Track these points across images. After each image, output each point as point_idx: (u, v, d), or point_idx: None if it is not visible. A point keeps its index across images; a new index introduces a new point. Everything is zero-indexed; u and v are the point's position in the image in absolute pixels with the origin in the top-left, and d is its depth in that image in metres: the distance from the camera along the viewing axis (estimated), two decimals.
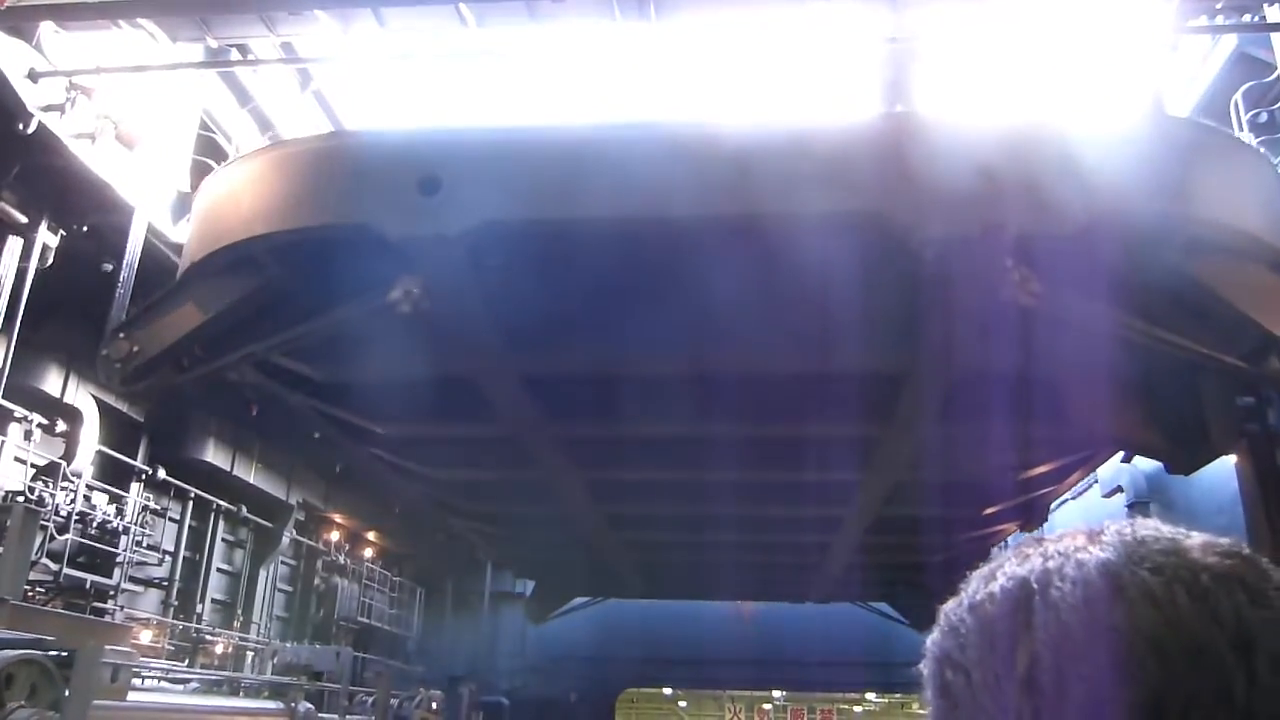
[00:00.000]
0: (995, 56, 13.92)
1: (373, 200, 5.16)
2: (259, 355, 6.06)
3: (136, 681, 10.58)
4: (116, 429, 13.80)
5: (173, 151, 12.00)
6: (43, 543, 10.84)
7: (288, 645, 16.68)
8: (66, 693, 8.24)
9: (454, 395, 7.16)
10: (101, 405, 13.15)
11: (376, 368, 6.96)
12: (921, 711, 3.07)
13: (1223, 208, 5.03)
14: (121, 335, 6.13)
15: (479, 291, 5.61)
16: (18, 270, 10.07)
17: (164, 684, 12.28)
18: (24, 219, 10.29)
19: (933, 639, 0.63)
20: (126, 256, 9.22)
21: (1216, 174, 5.15)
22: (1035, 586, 0.57)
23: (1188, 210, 4.92)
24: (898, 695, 23.34)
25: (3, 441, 11.67)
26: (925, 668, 0.63)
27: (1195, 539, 0.57)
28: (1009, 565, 0.60)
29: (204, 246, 5.79)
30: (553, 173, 5.09)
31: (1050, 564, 0.57)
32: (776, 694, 27.30)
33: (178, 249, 12.18)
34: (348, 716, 14.43)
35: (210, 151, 12.71)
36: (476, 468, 8.79)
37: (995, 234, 4.65)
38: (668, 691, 28.70)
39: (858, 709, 27.42)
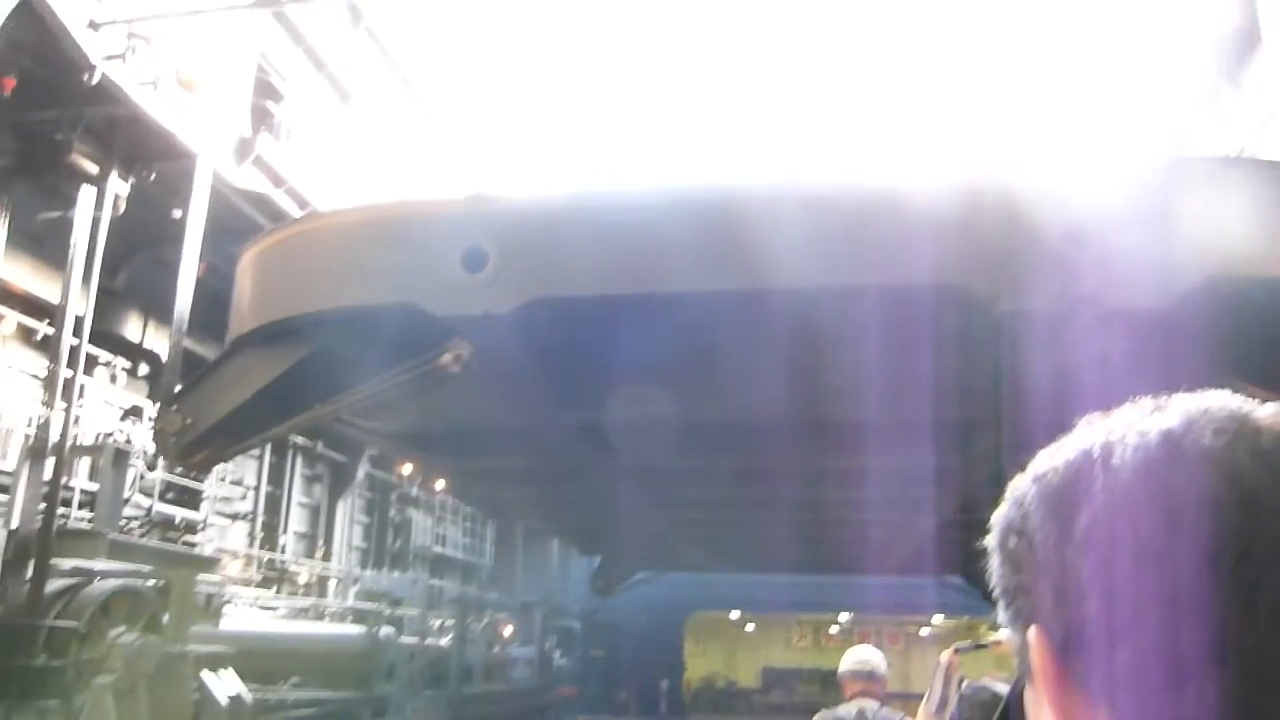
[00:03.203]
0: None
1: (417, 278, 5.06)
2: (311, 423, 6.12)
3: (228, 609, 11.11)
4: (197, 371, 14.24)
5: (232, 96, 12.19)
6: (133, 480, 11.32)
7: (367, 574, 17.29)
8: (165, 619, 8.72)
9: (511, 435, 7.39)
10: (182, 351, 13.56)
11: (431, 420, 7.07)
12: (989, 634, 3.15)
13: None
14: (174, 408, 6.17)
15: (530, 351, 5.58)
16: (93, 219, 10.39)
17: (254, 610, 12.86)
18: (95, 169, 10.58)
19: (999, 512, 0.65)
20: (193, 202, 9.45)
21: None
22: (1097, 455, 0.58)
23: None
24: (965, 619, 23.36)
25: (90, 385, 12.15)
26: (991, 539, 0.65)
27: (1265, 408, 0.58)
28: (1074, 439, 0.62)
29: (251, 319, 5.78)
30: (606, 248, 4.92)
31: (1113, 435, 0.59)
32: (843, 616, 27.60)
33: (241, 194, 12.46)
34: (424, 641, 14.98)
35: (267, 93, 12.88)
36: (534, 485, 9.02)
37: (1081, 306, 4.38)
38: (735, 615, 29.17)
39: (923, 631, 27.58)
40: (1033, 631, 0.59)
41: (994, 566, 0.64)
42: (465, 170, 17.09)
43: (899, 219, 4.67)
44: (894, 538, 11.40)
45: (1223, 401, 0.58)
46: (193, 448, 6.15)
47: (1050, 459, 0.62)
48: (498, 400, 6.55)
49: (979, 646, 4.08)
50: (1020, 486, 0.63)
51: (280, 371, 5.82)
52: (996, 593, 0.64)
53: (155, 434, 6.27)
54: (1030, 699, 0.62)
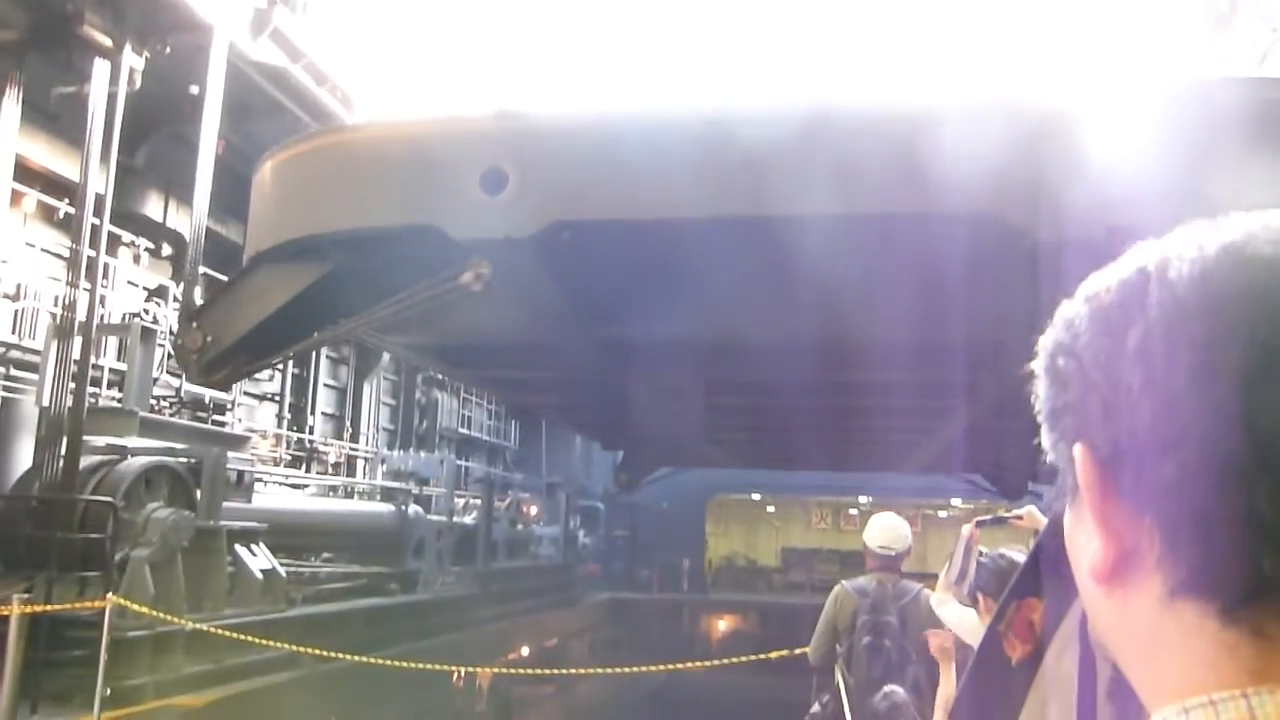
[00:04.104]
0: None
1: (437, 199, 4.89)
2: (331, 340, 6.04)
3: (260, 486, 11.32)
4: (218, 251, 14.23)
5: None
6: (161, 360, 11.41)
7: (395, 454, 17.56)
8: (198, 495, 8.88)
9: (532, 348, 7.31)
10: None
11: (451, 334, 6.95)
12: (1004, 513, 3.08)
13: None
14: (195, 324, 6.07)
15: (551, 272, 5.42)
16: (109, 95, 10.20)
17: (284, 489, 13.12)
18: (109, 42, 10.34)
19: (1045, 335, 0.63)
20: (210, 77, 9.25)
21: None
22: (1153, 270, 0.57)
23: None
24: (983, 500, 23.63)
25: (115, 265, 12.15)
26: (1039, 362, 0.64)
27: None
28: (1127, 260, 0.60)
29: (269, 236, 5.63)
30: (630, 168, 4.70)
31: (1169, 251, 0.57)
32: (863, 499, 27.95)
33: (259, 68, 12.20)
34: (452, 519, 15.28)
35: None
36: (555, 391, 8.97)
37: (1120, 238, 4.19)
38: (756, 497, 29.64)
39: (942, 514, 27.95)
40: (1078, 448, 0.58)
41: (1040, 390, 0.63)
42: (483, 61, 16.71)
43: (931, 145, 4.50)
44: (917, 440, 11.42)
45: None
46: (214, 365, 6.15)
47: (1102, 280, 0.60)
48: (518, 315, 6.50)
49: (999, 520, 4.15)
50: (1070, 309, 0.62)
51: (300, 289, 5.77)
52: (1041, 417, 0.63)
53: (176, 351, 6.26)
54: (1069, 521, 0.62)
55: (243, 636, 7.74)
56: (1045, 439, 0.63)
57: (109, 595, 6.65)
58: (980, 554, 4.14)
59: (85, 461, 8.19)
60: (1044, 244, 4.46)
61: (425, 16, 16.26)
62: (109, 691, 6.50)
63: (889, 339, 6.78)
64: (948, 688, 4.17)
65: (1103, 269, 0.62)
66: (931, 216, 4.67)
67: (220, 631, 7.65)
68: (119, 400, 10.44)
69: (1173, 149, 4.24)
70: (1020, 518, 3.91)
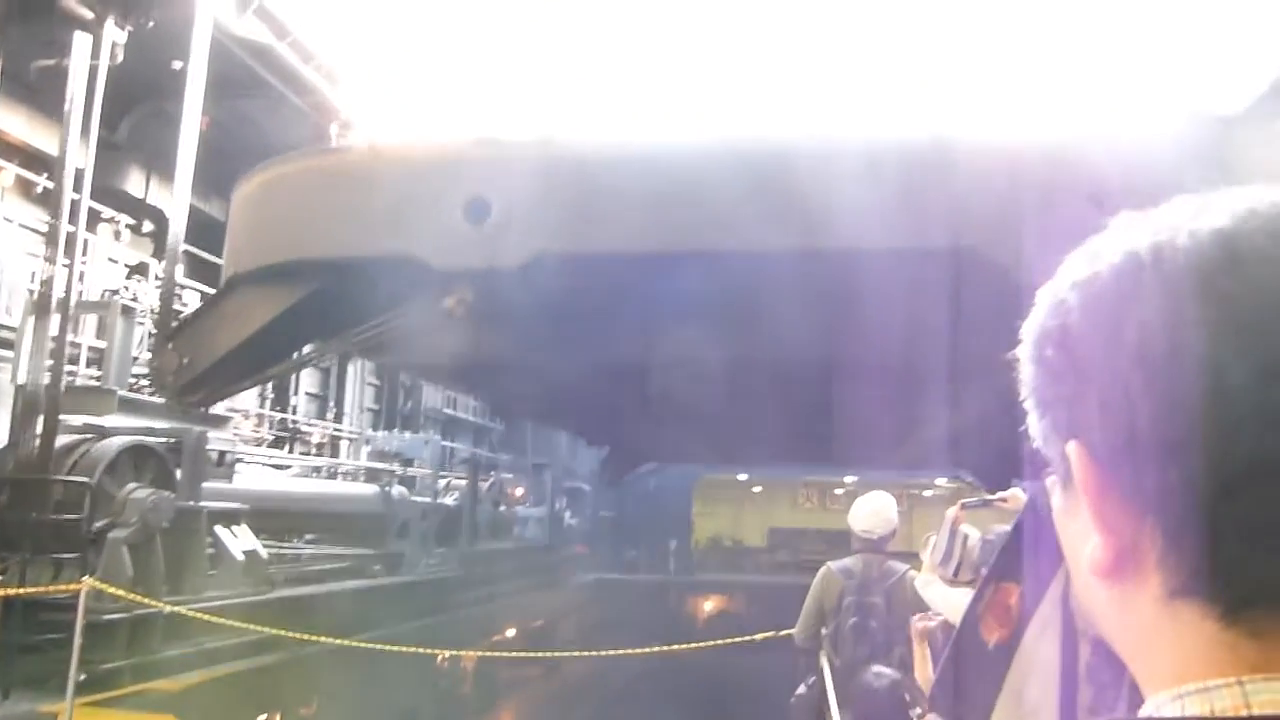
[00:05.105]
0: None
1: (420, 228, 4.82)
2: (311, 361, 5.98)
3: (241, 467, 11.23)
4: (199, 228, 14.07)
5: None
6: (141, 338, 11.29)
7: (379, 435, 17.48)
8: (178, 475, 8.79)
9: (516, 365, 7.29)
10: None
11: (434, 354, 6.93)
12: (989, 495, 3.05)
13: None
14: (170, 346, 5.95)
15: (534, 300, 5.37)
16: (90, 69, 10.04)
17: (266, 469, 13.03)
18: (90, 14, 10.17)
19: (1031, 319, 0.62)
20: (193, 52, 9.11)
21: None
22: (1146, 259, 0.55)
23: None
24: (967, 481, 23.74)
25: (94, 242, 12.01)
26: (1025, 349, 0.62)
27: None
28: (1113, 242, 0.58)
29: (248, 259, 5.53)
30: (615, 201, 4.65)
31: (1160, 237, 0.55)
32: (849, 479, 28.03)
33: (243, 44, 12.03)
34: (436, 500, 15.23)
35: None
36: (539, 399, 8.90)
37: None
38: (743, 478, 29.71)
39: (927, 493, 28.07)
40: (1074, 445, 0.57)
41: (1027, 377, 0.62)
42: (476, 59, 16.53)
43: (915, 181, 4.47)
44: (899, 443, 11.45)
45: (1271, 199, 0.55)
46: (191, 386, 6.06)
47: (1090, 263, 0.59)
48: (501, 337, 6.46)
49: (984, 503, 4.18)
50: (1056, 293, 0.60)
51: (279, 311, 5.68)
52: (1029, 404, 0.62)
53: (151, 373, 6.18)
54: (1061, 510, 0.62)
55: (223, 620, 7.68)
56: (1034, 427, 0.62)
57: (85, 578, 6.58)
58: (966, 537, 4.16)
59: (62, 441, 8.09)
60: (1028, 282, 4.48)
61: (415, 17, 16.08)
62: (84, 676, 6.43)
63: (874, 360, 6.81)
64: (924, 670, 4.17)
65: (1086, 245, 0.60)
66: (913, 250, 4.66)
67: (199, 615, 7.59)
68: (98, 378, 10.32)
69: (1157, 180, 4.22)
70: (1005, 500, 3.91)
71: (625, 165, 4.95)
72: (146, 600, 7.26)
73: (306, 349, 6.02)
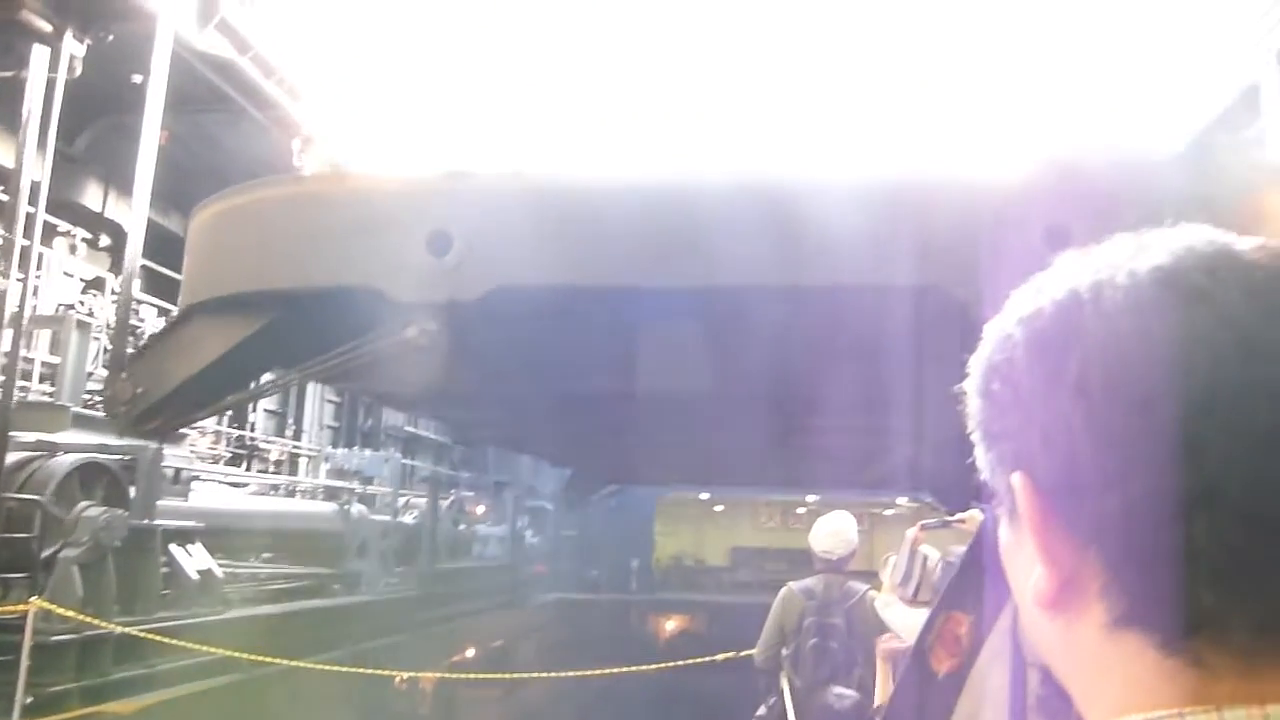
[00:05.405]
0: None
1: (381, 261, 4.80)
2: (269, 391, 5.91)
3: (197, 485, 11.08)
4: (158, 242, 13.91)
5: None
6: (96, 354, 11.12)
7: (339, 452, 17.31)
8: (131, 493, 8.65)
9: (477, 394, 7.22)
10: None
11: (394, 383, 6.87)
12: (948, 516, 3.09)
13: None
14: (124, 375, 5.84)
15: (495, 331, 5.36)
16: (47, 81, 9.92)
17: (223, 487, 12.86)
18: (49, 27, 10.06)
19: (978, 353, 0.64)
20: (153, 66, 9.03)
21: None
22: (1086, 296, 0.56)
23: None
24: (928, 502, 23.91)
25: (50, 256, 11.82)
26: (972, 382, 0.64)
27: (1248, 241, 0.57)
28: (1057, 279, 0.60)
29: (205, 288, 5.46)
30: (579, 234, 4.66)
31: (1101, 275, 0.57)
32: (810, 498, 28.13)
33: (204, 58, 11.94)
34: (396, 519, 15.10)
35: None
36: (501, 426, 8.83)
37: None
38: (705, 496, 29.71)
39: (888, 512, 28.23)
40: (1018, 477, 0.58)
41: (973, 410, 0.64)
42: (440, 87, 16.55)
43: (877, 219, 4.51)
44: (861, 467, 11.56)
45: (1208, 237, 0.57)
46: (145, 417, 5.94)
47: (1034, 299, 0.60)
48: (463, 367, 6.44)
49: (944, 524, 4.20)
50: (1002, 328, 0.62)
51: (236, 341, 5.59)
52: (976, 436, 0.64)
53: (104, 403, 6.04)
54: (1008, 541, 0.63)
55: (176, 641, 7.55)
56: (980, 459, 0.64)
57: (33, 598, 6.45)
58: (925, 559, 4.18)
59: (12, 458, 7.94)
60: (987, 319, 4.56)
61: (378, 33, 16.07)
62: (31, 699, 6.30)
63: (837, 390, 6.87)
64: (886, 691, 4.19)
65: (1029, 286, 0.62)
66: (872, 288, 4.70)
67: (151, 636, 7.46)
68: (51, 394, 10.15)
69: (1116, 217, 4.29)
70: (964, 521, 3.95)
71: (585, 198, 4.95)
72: (96, 621, 7.13)
73: (265, 378, 5.90)
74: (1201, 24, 12.98)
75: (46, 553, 7.41)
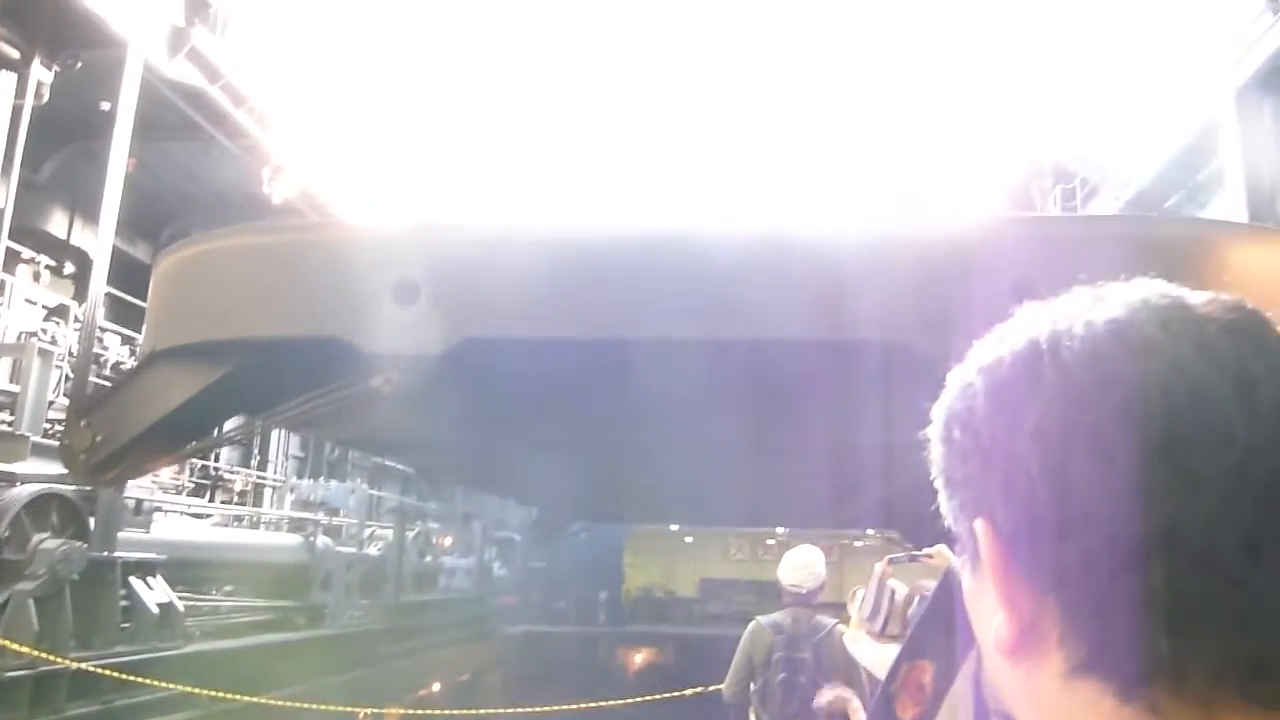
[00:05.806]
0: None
1: (348, 312, 4.80)
2: (232, 439, 5.89)
3: (159, 516, 10.92)
4: (123, 270, 13.79)
5: None
6: (59, 382, 10.97)
7: (304, 483, 17.12)
8: (91, 525, 8.52)
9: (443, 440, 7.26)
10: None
11: (362, 428, 6.88)
12: (916, 551, 3.08)
13: None
14: (84, 423, 5.77)
15: (463, 383, 5.36)
16: (14, 108, 9.85)
17: (186, 518, 12.68)
18: (16, 54, 10.01)
19: (940, 401, 0.65)
20: (122, 94, 8.99)
21: None
22: (1045, 346, 0.58)
23: None
24: (895, 535, 24.00)
25: (12, 283, 11.69)
26: (935, 429, 0.65)
27: (1200, 296, 0.59)
28: (1017, 330, 0.61)
29: (167, 336, 5.42)
30: (546, 287, 4.68)
31: (1059, 326, 0.59)
32: (780, 530, 28.14)
33: (174, 86, 11.90)
34: (362, 550, 14.94)
35: None
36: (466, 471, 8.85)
37: None
38: (674, 528, 29.63)
39: (858, 544, 28.27)
40: (979, 524, 0.59)
41: (936, 457, 0.65)
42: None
43: (838, 271, 4.53)
44: (833, 506, 11.62)
45: (1161, 291, 0.59)
46: (104, 465, 5.82)
47: (995, 349, 0.61)
48: (429, 416, 6.41)
49: (912, 559, 4.20)
50: (964, 376, 0.63)
51: (199, 388, 5.52)
52: (939, 483, 0.64)
53: (62, 451, 5.91)
54: (971, 588, 0.63)
55: (134, 677, 7.42)
56: (943, 505, 0.64)
57: None
58: (893, 593, 4.20)
59: None
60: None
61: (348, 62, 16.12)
62: None
63: (806, 439, 6.92)
64: None
65: (991, 336, 0.63)
66: (837, 343, 4.71)
67: (108, 672, 7.32)
68: (9, 423, 9.99)
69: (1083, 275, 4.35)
70: (931, 556, 3.97)
71: (559, 250, 4.96)
72: (51, 656, 6.99)
73: (229, 425, 5.82)
74: (1159, 63, 13.28)
75: (2, 588, 7.27)
